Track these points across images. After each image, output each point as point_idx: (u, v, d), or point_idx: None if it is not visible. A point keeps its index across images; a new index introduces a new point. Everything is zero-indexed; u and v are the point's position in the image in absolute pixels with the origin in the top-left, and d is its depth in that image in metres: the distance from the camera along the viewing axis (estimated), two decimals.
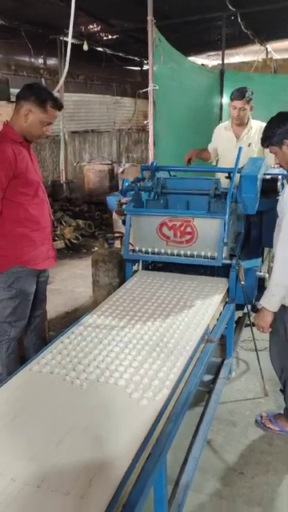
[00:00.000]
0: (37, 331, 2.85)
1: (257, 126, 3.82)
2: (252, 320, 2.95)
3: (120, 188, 3.01)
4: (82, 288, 4.81)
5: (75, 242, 6.50)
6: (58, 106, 2.45)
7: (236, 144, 3.79)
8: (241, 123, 3.84)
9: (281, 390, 2.62)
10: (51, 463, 1.35)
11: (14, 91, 3.67)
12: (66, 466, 1.34)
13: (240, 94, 3.68)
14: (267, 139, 2.30)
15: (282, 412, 2.56)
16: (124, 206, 2.94)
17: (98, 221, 7.39)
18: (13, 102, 3.07)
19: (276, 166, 2.93)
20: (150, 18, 4.49)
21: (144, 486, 1.37)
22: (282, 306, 2.28)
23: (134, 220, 2.86)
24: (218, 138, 4.07)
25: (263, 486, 2.12)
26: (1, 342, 2.64)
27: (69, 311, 4.28)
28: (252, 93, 3.70)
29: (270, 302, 2.24)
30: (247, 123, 3.86)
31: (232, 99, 3.73)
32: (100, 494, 1.23)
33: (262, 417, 2.57)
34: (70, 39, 3.52)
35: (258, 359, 2.83)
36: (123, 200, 3.10)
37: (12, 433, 1.48)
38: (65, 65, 4.51)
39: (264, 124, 3.69)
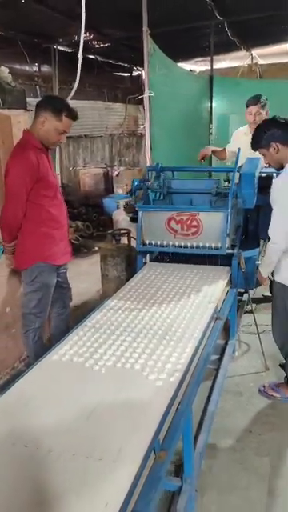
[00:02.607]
0: (65, 321, 3.11)
1: None
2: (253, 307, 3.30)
3: (131, 188, 3.32)
4: (88, 284, 5.09)
5: (76, 242, 6.75)
6: (72, 115, 2.69)
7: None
8: None
9: (280, 364, 2.96)
10: (83, 434, 1.48)
11: None
12: (97, 435, 1.47)
13: (254, 100, 3.91)
14: (256, 143, 2.66)
15: (282, 381, 2.88)
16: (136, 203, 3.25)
17: (96, 222, 7.66)
18: (29, 110, 3.34)
19: (266, 165, 3.27)
20: (145, 28, 4.77)
21: (176, 428, 1.67)
22: (282, 286, 2.61)
23: (145, 216, 3.17)
24: (236, 141, 4.14)
25: (269, 441, 2.45)
26: (28, 332, 2.91)
27: (78, 305, 4.55)
28: (266, 98, 3.90)
29: (263, 269, 2.73)
30: None
31: (247, 105, 3.95)
32: (130, 458, 1.37)
33: (264, 386, 2.89)
34: (80, 55, 3.81)
35: (259, 338, 3.15)
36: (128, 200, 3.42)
37: (44, 411, 1.61)
38: (64, 74, 4.76)
39: None
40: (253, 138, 2.67)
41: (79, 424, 1.54)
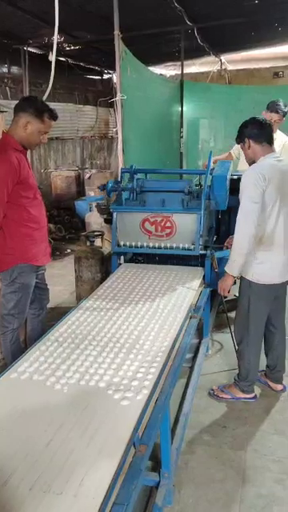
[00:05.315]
0: (42, 323, 3.10)
1: (280, 141, 3.74)
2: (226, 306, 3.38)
3: (105, 185, 3.34)
4: (62, 286, 5.09)
5: None
6: (54, 116, 2.72)
7: None
8: None
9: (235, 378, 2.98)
10: (42, 464, 1.36)
11: None
12: (57, 466, 1.35)
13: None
14: (237, 137, 2.76)
15: (231, 383, 2.92)
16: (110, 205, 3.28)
17: (68, 225, 7.66)
18: (2, 112, 3.32)
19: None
20: (116, 32, 4.81)
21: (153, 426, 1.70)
22: (248, 282, 2.67)
23: (120, 217, 3.20)
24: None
25: (243, 435, 2.52)
26: (5, 333, 2.88)
27: (52, 307, 4.54)
28: (285, 105, 3.68)
29: (231, 266, 2.63)
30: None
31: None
32: (93, 492, 1.25)
33: (213, 390, 2.94)
34: (53, 58, 3.79)
35: (232, 336, 3.22)
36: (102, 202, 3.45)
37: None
38: (40, 77, 4.75)
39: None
40: (237, 132, 2.76)
41: (38, 452, 1.42)
